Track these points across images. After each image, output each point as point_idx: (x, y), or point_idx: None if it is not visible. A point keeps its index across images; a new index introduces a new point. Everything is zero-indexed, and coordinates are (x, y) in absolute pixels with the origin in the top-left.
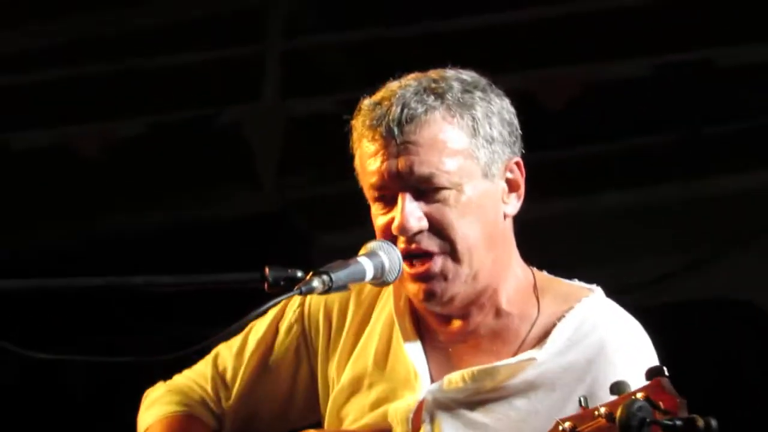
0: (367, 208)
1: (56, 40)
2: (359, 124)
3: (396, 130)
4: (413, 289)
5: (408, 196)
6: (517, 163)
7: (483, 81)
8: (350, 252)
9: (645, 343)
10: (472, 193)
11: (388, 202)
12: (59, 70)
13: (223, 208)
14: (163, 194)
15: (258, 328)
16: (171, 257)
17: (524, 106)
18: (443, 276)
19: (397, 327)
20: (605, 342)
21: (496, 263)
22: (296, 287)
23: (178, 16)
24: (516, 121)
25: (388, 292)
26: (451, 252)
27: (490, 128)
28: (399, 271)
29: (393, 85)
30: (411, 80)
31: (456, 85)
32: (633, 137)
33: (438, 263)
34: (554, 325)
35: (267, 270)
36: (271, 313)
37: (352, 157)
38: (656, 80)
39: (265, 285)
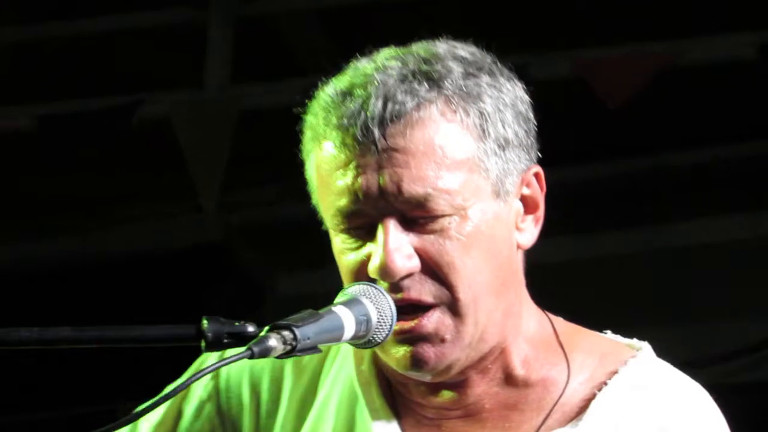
0: None
1: None
2: (319, 122)
3: (377, 132)
4: (396, 352)
5: (393, 225)
6: (536, 175)
7: (488, 59)
8: (320, 300)
9: (718, 423)
10: (479, 220)
11: (363, 233)
12: None
13: (146, 236)
14: (61, 214)
15: (152, 412)
16: (73, 301)
17: (572, 99)
18: (439, 337)
19: (362, 402)
20: (667, 422)
21: (507, 315)
22: (246, 347)
23: None
24: (532, 115)
25: (342, 351)
26: (451, 303)
27: (504, 127)
28: (391, 327)
29: (366, 67)
30: (391, 59)
31: (455, 67)
32: (725, 145)
33: (432, 319)
34: (593, 395)
35: (205, 322)
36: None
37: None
38: (763, 65)
39: (202, 343)
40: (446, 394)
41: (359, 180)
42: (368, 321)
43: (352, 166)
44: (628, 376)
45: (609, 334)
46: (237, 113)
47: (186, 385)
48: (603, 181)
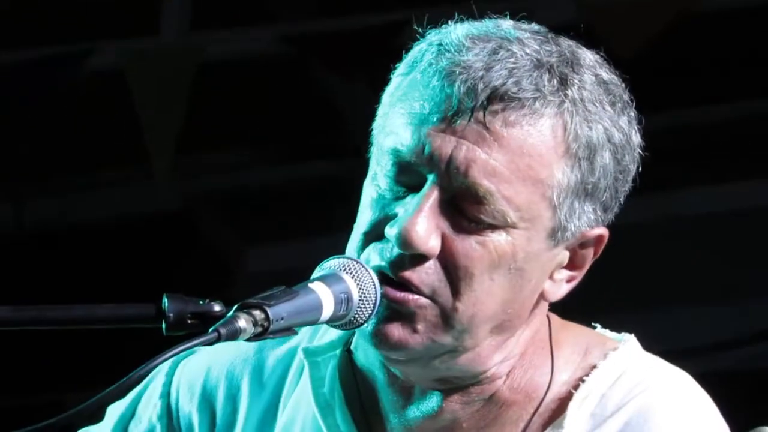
0: (323, 211)
1: None
2: (426, 56)
3: (482, 99)
4: (367, 325)
5: (435, 198)
6: (599, 237)
7: (625, 95)
8: (295, 276)
9: (711, 419)
10: (520, 247)
11: (404, 186)
12: None
13: (93, 205)
14: (2, 179)
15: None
16: (6, 277)
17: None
18: (414, 322)
19: (323, 429)
20: (650, 418)
21: (503, 350)
22: (213, 329)
23: None
24: (633, 173)
25: (302, 368)
26: (446, 308)
27: (603, 176)
28: (375, 306)
29: (501, 27)
30: (536, 34)
31: (588, 76)
32: (752, 99)
33: (420, 303)
34: (570, 395)
35: (165, 300)
36: (117, 410)
37: (312, 115)
38: None
39: (163, 324)
40: (422, 408)
41: (431, 134)
42: (349, 299)
43: (434, 118)
44: (608, 370)
45: (599, 328)
46: (198, 64)
47: (149, 369)
48: None
